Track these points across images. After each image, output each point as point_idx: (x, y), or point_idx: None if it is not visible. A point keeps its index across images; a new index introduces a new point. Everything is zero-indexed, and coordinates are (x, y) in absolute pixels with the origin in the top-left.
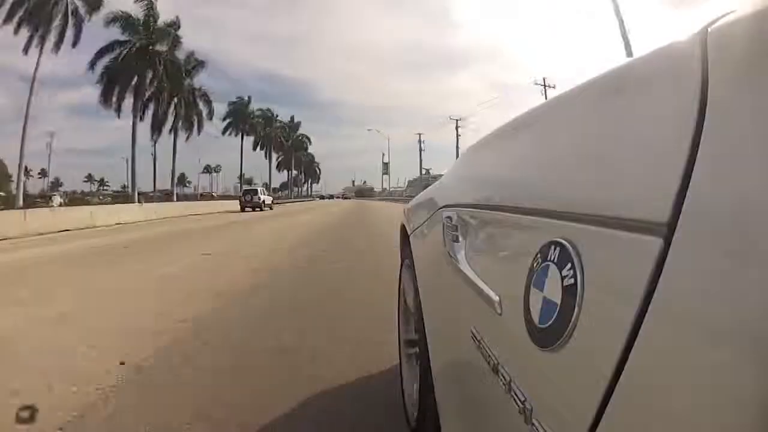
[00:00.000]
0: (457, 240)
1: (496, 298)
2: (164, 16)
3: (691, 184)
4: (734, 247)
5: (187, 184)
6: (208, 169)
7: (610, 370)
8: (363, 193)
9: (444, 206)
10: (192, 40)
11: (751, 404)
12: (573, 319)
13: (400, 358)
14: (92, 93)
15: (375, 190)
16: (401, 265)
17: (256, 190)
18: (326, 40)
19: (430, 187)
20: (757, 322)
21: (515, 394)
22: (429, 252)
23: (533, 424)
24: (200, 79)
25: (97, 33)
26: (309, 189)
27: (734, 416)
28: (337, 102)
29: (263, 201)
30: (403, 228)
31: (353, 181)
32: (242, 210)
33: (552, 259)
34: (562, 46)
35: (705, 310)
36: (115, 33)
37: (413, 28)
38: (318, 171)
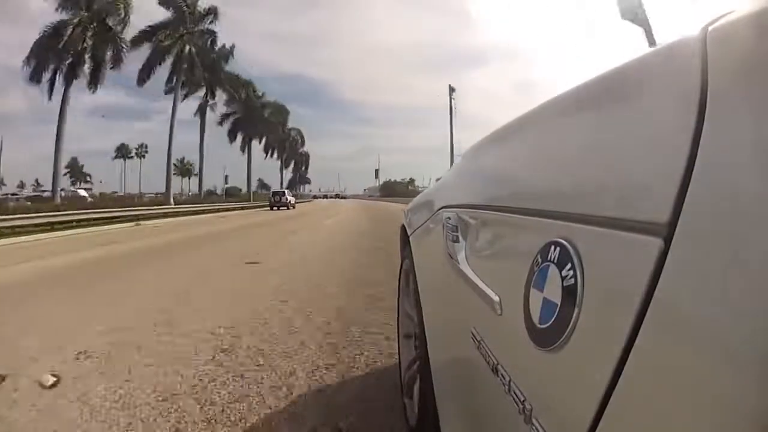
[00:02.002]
0: (457, 240)
1: (496, 299)
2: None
3: (691, 184)
4: (734, 247)
5: (88, 179)
6: (122, 152)
7: (610, 370)
8: (395, 190)
9: (444, 207)
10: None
11: (751, 405)
12: (573, 319)
13: (399, 358)
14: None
15: (417, 185)
16: (401, 265)
17: (284, 192)
18: (346, 41)
19: (430, 188)
20: (757, 322)
21: (515, 394)
22: (429, 252)
23: (533, 424)
24: None
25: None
26: (298, 187)
27: (734, 417)
28: (358, 102)
29: (289, 201)
30: (403, 228)
31: (376, 171)
32: (271, 208)
33: (552, 259)
34: (578, 42)
35: (705, 310)
36: None
37: (433, 26)
38: (299, 146)
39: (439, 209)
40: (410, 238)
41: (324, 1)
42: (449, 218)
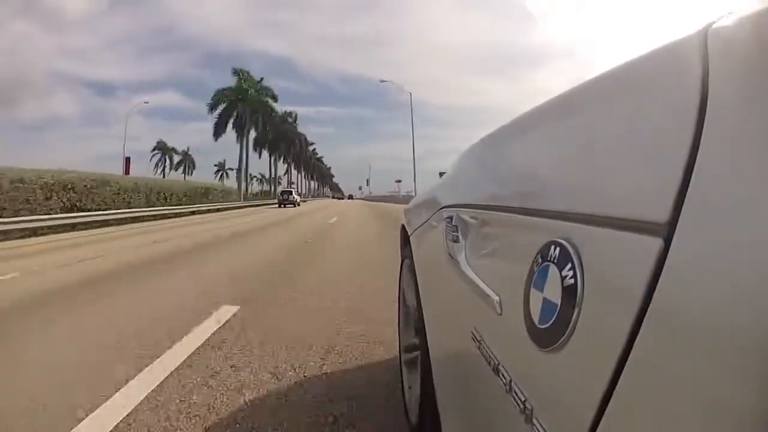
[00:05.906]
0: (457, 240)
1: (496, 299)
2: (231, 19)
3: (691, 184)
4: (734, 247)
5: None
6: None
7: (610, 370)
8: None
9: (444, 206)
10: (272, 44)
11: (751, 405)
12: (573, 319)
13: (400, 358)
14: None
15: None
16: (401, 265)
17: (291, 191)
18: (407, 42)
19: (430, 187)
20: (757, 322)
21: (515, 394)
22: (429, 252)
23: (533, 424)
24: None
25: None
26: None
27: (734, 417)
28: (421, 102)
29: (296, 199)
30: (403, 228)
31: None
32: (279, 206)
33: (552, 259)
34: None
35: (705, 311)
36: None
37: (492, 27)
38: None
39: (440, 209)
40: (410, 238)
41: (385, 3)
42: (449, 218)
